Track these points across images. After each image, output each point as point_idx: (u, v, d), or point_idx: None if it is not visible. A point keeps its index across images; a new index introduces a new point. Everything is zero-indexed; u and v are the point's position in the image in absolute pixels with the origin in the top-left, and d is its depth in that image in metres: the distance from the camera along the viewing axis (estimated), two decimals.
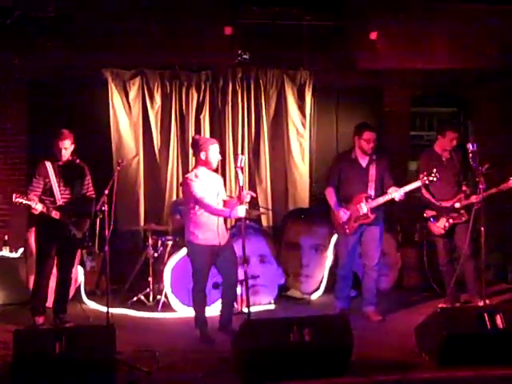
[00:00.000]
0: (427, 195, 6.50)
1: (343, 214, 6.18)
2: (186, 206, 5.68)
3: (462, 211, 6.34)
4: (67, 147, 5.98)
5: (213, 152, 5.61)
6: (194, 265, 5.64)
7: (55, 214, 5.85)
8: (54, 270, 6.14)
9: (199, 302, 5.66)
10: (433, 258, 6.87)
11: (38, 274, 6.04)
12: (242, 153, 7.75)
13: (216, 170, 5.84)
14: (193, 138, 5.87)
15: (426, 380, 4.58)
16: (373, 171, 6.23)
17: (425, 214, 6.53)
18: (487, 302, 5.88)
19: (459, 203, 6.36)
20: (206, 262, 5.59)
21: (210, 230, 5.54)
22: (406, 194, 6.06)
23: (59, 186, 5.96)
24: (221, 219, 5.61)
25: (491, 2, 7.97)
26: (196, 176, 5.56)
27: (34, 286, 6.12)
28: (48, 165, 5.98)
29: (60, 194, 5.96)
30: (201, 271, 5.60)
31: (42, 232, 6.04)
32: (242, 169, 5.38)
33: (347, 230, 6.21)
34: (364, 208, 6.13)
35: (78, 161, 6.15)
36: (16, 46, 7.42)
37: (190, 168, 7.51)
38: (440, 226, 6.45)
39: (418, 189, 6.23)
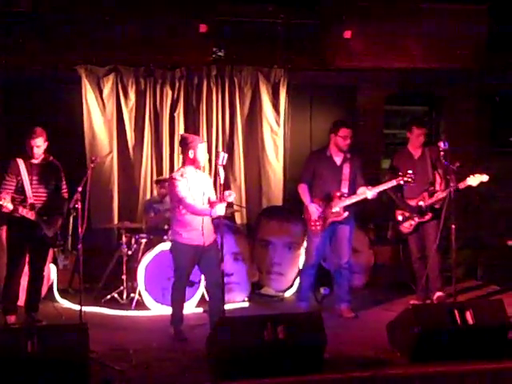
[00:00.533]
0: (392, 194, 6.49)
1: (315, 211, 6.21)
2: (171, 204, 5.66)
3: (426, 210, 6.40)
4: (39, 145, 5.91)
5: (201, 151, 5.58)
6: (176, 262, 5.61)
7: (26, 213, 5.79)
8: (26, 269, 6.09)
9: (178, 299, 5.65)
10: (407, 255, 6.96)
11: (9, 273, 5.97)
12: (218, 150, 7.72)
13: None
14: (181, 136, 5.81)
15: (398, 376, 4.63)
16: (347, 169, 6.27)
17: (397, 217, 6.60)
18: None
19: (423, 202, 6.43)
20: (188, 261, 5.56)
21: (195, 230, 5.49)
22: (379, 192, 6.13)
23: (31, 185, 5.89)
24: (206, 219, 5.53)
25: (465, 2, 8.08)
26: (181, 175, 5.52)
27: (4, 285, 6.05)
28: (20, 162, 5.90)
29: (32, 193, 5.88)
30: (183, 270, 5.59)
31: (13, 231, 5.97)
32: (223, 166, 5.31)
33: (319, 227, 6.24)
34: (337, 206, 6.17)
35: (51, 158, 6.09)
36: None
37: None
38: (406, 225, 6.55)
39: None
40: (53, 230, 5.99)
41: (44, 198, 5.96)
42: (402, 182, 6.02)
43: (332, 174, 6.27)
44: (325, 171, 6.29)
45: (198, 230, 5.47)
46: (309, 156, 6.63)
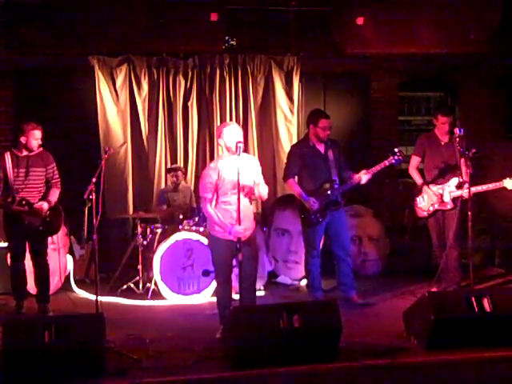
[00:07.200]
0: (417, 175, 6.45)
1: (314, 203, 6.10)
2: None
3: (448, 200, 6.28)
4: (38, 137, 5.89)
5: (228, 135, 5.32)
6: (213, 256, 5.32)
7: (14, 208, 5.81)
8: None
9: (222, 295, 5.34)
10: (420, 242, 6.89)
11: (13, 261, 6.09)
12: None
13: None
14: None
15: (415, 364, 4.61)
16: (331, 156, 6.27)
17: (416, 200, 6.47)
18: None
19: (448, 192, 6.26)
20: (224, 255, 5.20)
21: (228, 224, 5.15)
22: (375, 175, 6.13)
23: (17, 178, 5.86)
24: (245, 211, 5.09)
25: None
26: (214, 164, 5.26)
27: (12, 278, 6.16)
28: (7, 157, 5.88)
29: (18, 186, 5.85)
30: (219, 263, 5.27)
31: (8, 224, 6.00)
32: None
33: (320, 219, 6.18)
34: (333, 194, 6.16)
35: (41, 149, 6.01)
36: (1, 33, 7.36)
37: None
38: (424, 208, 6.42)
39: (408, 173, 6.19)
40: (38, 218, 5.92)
41: (33, 190, 5.93)
42: (393, 161, 6.05)
43: (321, 163, 6.24)
44: (313, 162, 6.24)
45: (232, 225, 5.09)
46: (291, 150, 6.49)
